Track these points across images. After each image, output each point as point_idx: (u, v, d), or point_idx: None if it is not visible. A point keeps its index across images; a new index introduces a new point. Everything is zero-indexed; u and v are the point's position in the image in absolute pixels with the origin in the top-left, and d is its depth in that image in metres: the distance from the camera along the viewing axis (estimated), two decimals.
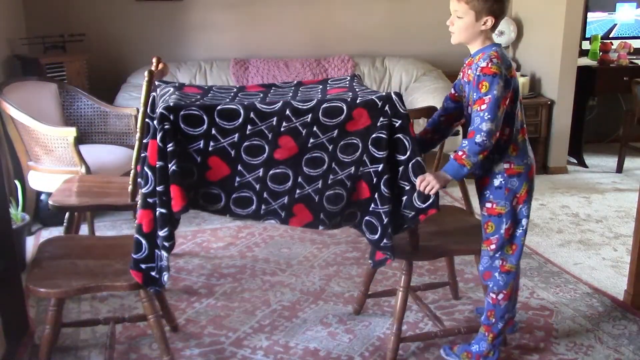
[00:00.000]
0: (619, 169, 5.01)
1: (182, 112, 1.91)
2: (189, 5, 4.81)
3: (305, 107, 1.97)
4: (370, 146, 2.03)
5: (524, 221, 2.23)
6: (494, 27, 2.10)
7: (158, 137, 1.89)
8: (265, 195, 2.02)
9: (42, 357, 2.17)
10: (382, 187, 2.04)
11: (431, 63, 5.12)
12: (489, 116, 2.01)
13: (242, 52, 4.95)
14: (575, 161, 5.22)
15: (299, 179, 2.03)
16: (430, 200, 2.07)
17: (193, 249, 3.48)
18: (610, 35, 5.39)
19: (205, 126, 1.93)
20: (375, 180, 2.05)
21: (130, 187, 2.50)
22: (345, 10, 5.09)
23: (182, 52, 4.87)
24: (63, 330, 2.49)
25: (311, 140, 2.00)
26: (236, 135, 1.96)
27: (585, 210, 4.14)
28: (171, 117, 1.90)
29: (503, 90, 2.03)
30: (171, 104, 1.92)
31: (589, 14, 5.26)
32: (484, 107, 2.02)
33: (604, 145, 5.70)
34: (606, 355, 2.46)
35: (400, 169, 2.07)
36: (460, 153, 2.06)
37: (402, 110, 2.02)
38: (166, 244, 1.95)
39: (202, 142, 1.95)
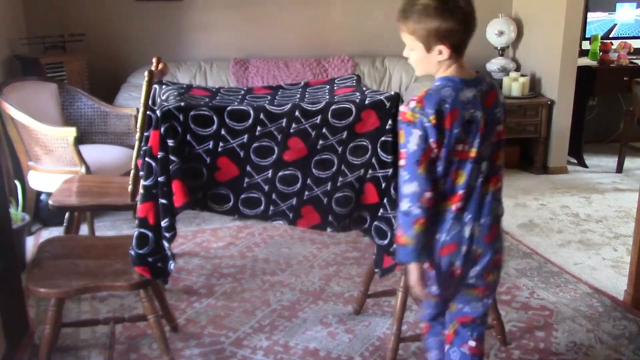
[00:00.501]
0: (619, 169, 5.00)
1: (192, 113, 1.91)
2: (189, 5, 4.81)
3: (314, 108, 1.97)
4: (379, 149, 2.02)
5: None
6: (457, 53, 1.70)
7: (162, 129, 1.88)
8: (273, 196, 2.02)
9: (42, 357, 2.17)
10: (391, 191, 2.03)
11: None
12: (408, 176, 1.62)
13: (242, 52, 4.94)
14: (575, 161, 5.22)
15: (308, 181, 2.02)
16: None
17: (193, 249, 3.47)
18: (610, 35, 5.39)
19: (215, 127, 1.93)
20: (384, 185, 2.04)
21: (130, 187, 2.50)
22: (345, 10, 5.09)
23: (182, 52, 4.87)
24: (63, 330, 2.49)
25: (320, 142, 2.00)
26: (245, 136, 1.96)
27: (585, 210, 4.14)
28: (181, 117, 1.90)
29: (422, 142, 1.61)
30: (182, 105, 1.92)
31: (589, 14, 5.26)
32: (402, 163, 1.65)
33: (604, 145, 5.70)
34: (606, 355, 2.46)
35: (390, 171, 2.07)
36: (398, 232, 1.67)
37: None
38: (167, 234, 1.95)
39: (211, 142, 1.95)
